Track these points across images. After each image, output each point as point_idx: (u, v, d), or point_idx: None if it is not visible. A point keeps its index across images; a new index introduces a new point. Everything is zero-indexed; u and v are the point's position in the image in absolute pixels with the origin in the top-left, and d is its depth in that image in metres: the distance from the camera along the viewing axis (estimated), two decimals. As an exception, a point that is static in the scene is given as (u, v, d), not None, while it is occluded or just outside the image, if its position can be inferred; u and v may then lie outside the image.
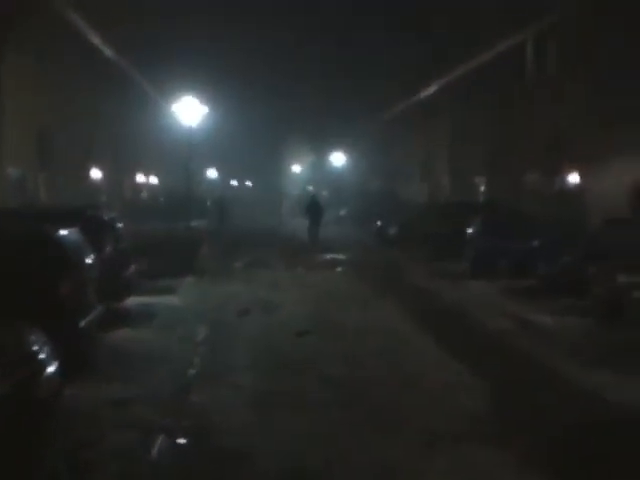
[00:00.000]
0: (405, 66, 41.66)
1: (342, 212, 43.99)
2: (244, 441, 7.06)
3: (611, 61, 20.49)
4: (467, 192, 32.06)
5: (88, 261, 10.57)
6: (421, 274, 20.37)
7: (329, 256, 25.39)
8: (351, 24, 48.16)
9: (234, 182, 74.01)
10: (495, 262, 18.10)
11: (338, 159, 58.32)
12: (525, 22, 25.64)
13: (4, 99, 20.14)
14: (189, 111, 24.69)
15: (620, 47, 20.01)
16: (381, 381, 9.24)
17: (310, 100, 58.40)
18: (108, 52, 30.49)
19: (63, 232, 9.85)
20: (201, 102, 25.10)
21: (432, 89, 38.47)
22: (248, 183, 79.92)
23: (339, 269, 22.04)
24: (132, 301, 14.02)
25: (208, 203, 31.21)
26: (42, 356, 6.60)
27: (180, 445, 7.07)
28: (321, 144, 64.30)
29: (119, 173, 33.64)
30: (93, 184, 29.61)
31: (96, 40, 28.53)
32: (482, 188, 32.19)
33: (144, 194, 38.44)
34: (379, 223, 30.93)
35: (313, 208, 31.50)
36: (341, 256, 25.37)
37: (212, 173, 60.52)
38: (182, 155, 29.09)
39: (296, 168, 74.62)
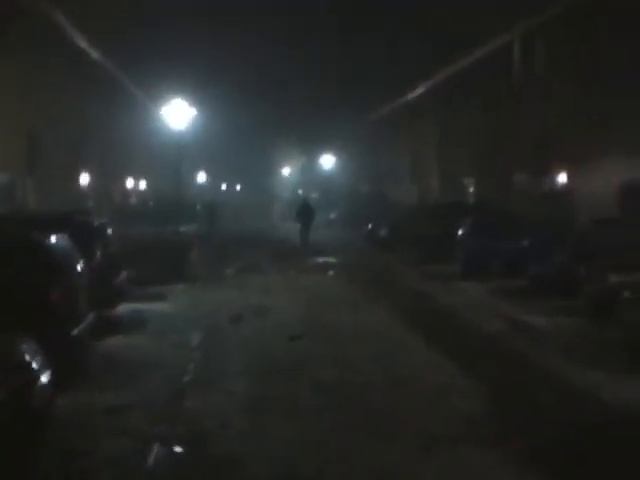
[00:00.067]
0: (391, 67, 41.72)
1: (332, 215, 43.87)
2: (237, 447, 7.03)
3: (599, 61, 20.55)
4: (456, 193, 32.06)
5: (78, 268, 10.46)
6: (412, 276, 20.38)
7: (320, 259, 25.37)
8: (338, 26, 48.27)
9: (224, 185, 73.79)
10: (486, 263, 18.13)
11: (327, 161, 58.23)
12: (513, 21, 25.69)
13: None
14: (178, 114, 24.50)
15: (608, 47, 20.07)
16: (375, 385, 9.21)
17: (298, 102, 58.28)
18: (95, 55, 30.33)
19: (52, 238, 9.74)
20: (190, 105, 24.97)
21: (418, 90, 38.51)
22: (238, 186, 79.73)
23: (330, 272, 22.02)
24: (123, 308, 13.91)
25: (198, 207, 31.09)
26: (34, 365, 6.54)
27: (174, 452, 7.04)
28: (311, 146, 64.23)
29: (107, 178, 33.46)
30: (82, 189, 29.44)
31: (82, 43, 28.38)
32: (471, 189, 32.26)
33: (133, 199, 38.26)
34: (370, 226, 30.91)
35: (304, 211, 31.46)
36: (332, 259, 25.36)
37: (202, 177, 60.32)
38: (171, 159, 28.97)
39: (286, 171, 74.56)
